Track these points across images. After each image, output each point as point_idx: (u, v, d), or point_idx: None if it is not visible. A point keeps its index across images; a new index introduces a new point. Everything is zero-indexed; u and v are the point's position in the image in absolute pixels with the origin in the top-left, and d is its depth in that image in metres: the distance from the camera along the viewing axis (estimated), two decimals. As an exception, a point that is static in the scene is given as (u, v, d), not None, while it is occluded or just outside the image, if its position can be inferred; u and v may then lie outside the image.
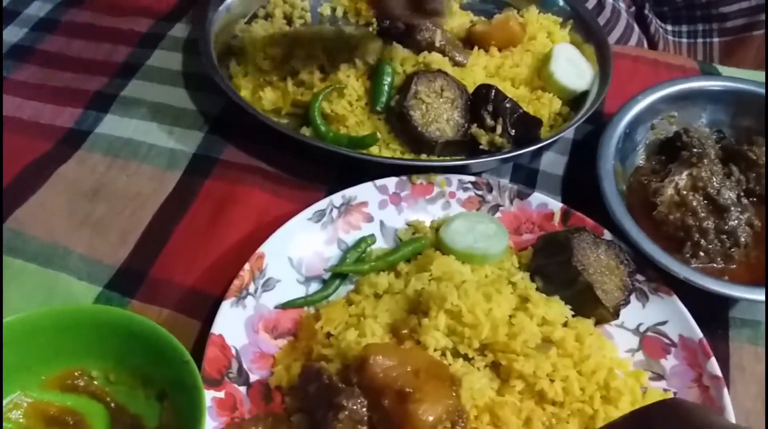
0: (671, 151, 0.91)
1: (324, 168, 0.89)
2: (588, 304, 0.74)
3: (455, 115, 0.89)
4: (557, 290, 0.75)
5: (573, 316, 0.73)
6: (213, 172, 0.89)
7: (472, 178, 0.85)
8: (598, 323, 0.75)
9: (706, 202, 0.84)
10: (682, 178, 0.86)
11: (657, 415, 0.49)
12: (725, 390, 0.70)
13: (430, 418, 0.59)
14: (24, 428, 0.64)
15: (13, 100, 0.98)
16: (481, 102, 0.89)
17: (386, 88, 0.90)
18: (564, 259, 0.74)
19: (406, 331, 0.69)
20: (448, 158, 0.89)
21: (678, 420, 0.47)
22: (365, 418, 0.60)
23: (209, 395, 0.64)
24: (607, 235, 0.81)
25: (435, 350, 0.68)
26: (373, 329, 0.69)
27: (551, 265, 0.76)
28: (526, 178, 0.92)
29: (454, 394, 0.62)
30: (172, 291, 0.76)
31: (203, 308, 0.75)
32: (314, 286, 0.77)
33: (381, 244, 0.82)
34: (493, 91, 0.89)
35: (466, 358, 0.68)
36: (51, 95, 0.99)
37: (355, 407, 0.60)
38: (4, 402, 0.64)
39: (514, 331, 0.68)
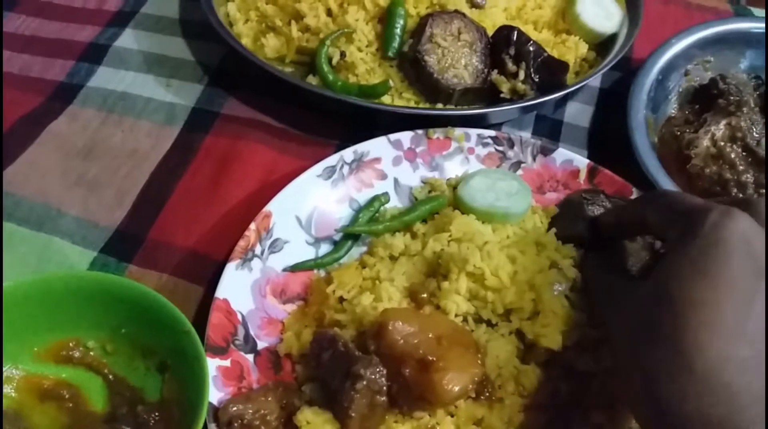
0: (706, 100, 0.84)
1: (332, 121, 0.83)
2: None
3: (474, 60, 0.82)
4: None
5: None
6: (214, 126, 0.83)
7: (493, 133, 0.79)
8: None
9: (744, 153, 0.78)
10: (719, 128, 0.79)
11: (651, 202, 0.57)
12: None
13: (456, 388, 0.55)
14: (16, 403, 0.60)
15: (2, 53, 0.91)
16: (502, 45, 0.82)
17: (398, 31, 0.83)
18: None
19: (425, 296, 0.63)
20: (466, 108, 0.82)
21: (665, 203, 0.54)
22: (384, 388, 0.56)
23: (214, 364, 0.60)
24: (636, 193, 0.76)
25: (456, 316, 0.63)
26: (389, 293, 0.64)
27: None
28: (550, 130, 0.86)
29: (479, 362, 0.58)
30: (172, 255, 0.71)
31: (206, 272, 0.70)
32: (325, 248, 0.72)
33: (395, 204, 0.76)
34: (515, 33, 0.82)
35: (489, 324, 0.63)
36: (41, 47, 0.92)
37: (373, 376, 0.55)
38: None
39: (541, 297, 0.63)
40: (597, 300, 0.61)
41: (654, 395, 0.47)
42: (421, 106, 0.83)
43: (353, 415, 0.55)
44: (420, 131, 0.77)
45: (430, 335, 0.58)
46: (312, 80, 0.84)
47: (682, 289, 0.47)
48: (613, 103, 0.86)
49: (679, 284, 0.47)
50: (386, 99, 0.82)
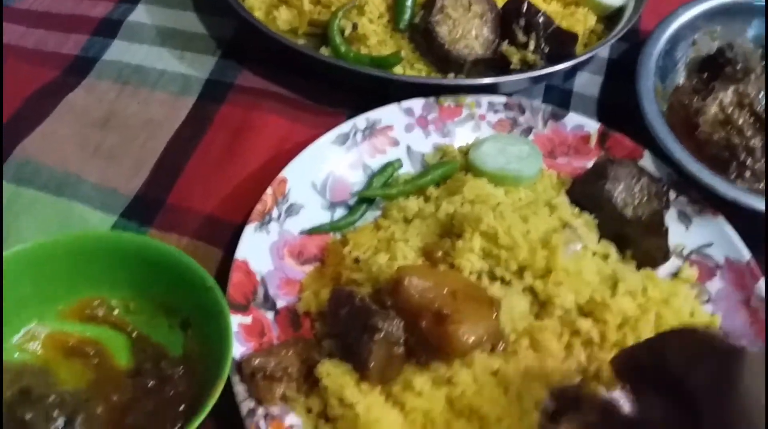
0: (714, 69, 0.85)
1: (344, 92, 0.84)
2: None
3: (484, 31, 0.84)
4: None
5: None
6: (228, 97, 0.84)
7: (503, 99, 0.80)
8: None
9: (752, 119, 0.79)
10: (727, 95, 0.80)
11: (670, 341, 0.51)
12: (776, 312, 0.67)
13: (471, 340, 0.56)
14: (42, 360, 0.61)
15: (16, 28, 0.93)
16: (513, 16, 0.83)
17: (410, 3, 0.84)
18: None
19: (439, 254, 0.65)
20: (476, 78, 0.83)
21: (688, 345, 0.49)
22: (401, 340, 0.57)
23: (235, 321, 0.61)
24: (647, 157, 0.77)
25: (470, 273, 0.64)
26: (404, 252, 0.65)
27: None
28: (560, 100, 0.87)
29: (493, 316, 0.59)
30: (190, 219, 0.73)
31: (224, 236, 0.71)
32: (340, 212, 0.73)
33: (408, 170, 0.77)
34: (525, 4, 0.83)
35: (503, 281, 0.65)
36: (55, 23, 0.94)
37: (391, 329, 0.57)
38: (21, 333, 0.61)
39: (553, 254, 0.64)
40: None
41: None
42: (432, 76, 0.84)
43: (372, 365, 0.56)
44: (431, 98, 0.79)
45: (445, 290, 0.59)
46: (324, 52, 0.85)
47: None
48: (621, 73, 0.87)
49: None
50: (398, 70, 0.84)
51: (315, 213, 0.72)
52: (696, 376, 0.47)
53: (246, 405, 0.57)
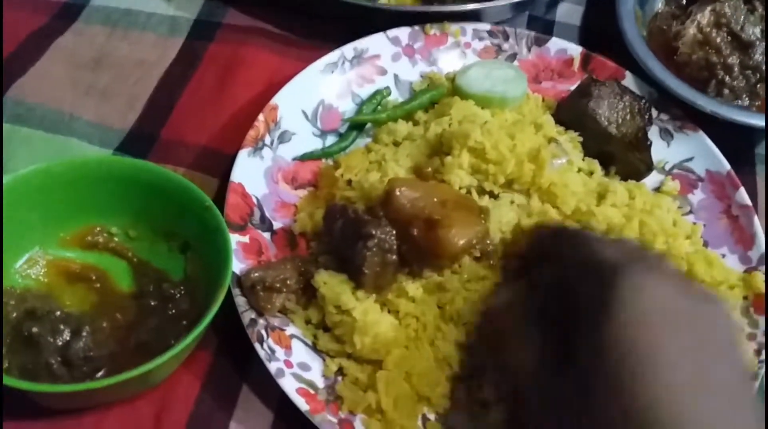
0: (692, -7, 0.87)
1: (332, 26, 0.85)
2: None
3: (466, -40, 0.85)
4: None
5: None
6: (216, 36, 0.85)
7: (488, 27, 0.82)
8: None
9: (729, 38, 0.81)
10: (704, 15, 0.82)
11: (568, 240, 0.52)
12: (755, 217, 0.70)
13: (461, 242, 0.58)
14: (45, 285, 0.63)
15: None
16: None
17: (392, -66, 0.85)
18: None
19: (429, 170, 0.67)
20: (460, 5, 0.84)
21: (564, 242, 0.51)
22: (394, 247, 0.59)
23: (234, 239, 0.63)
24: (629, 77, 0.79)
25: (460, 188, 0.66)
26: (395, 171, 0.67)
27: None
28: (543, 30, 0.88)
29: (482, 221, 0.61)
30: (185, 151, 0.74)
31: (219, 165, 0.73)
32: (331, 140, 0.75)
33: (396, 98, 0.79)
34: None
35: (491, 195, 0.67)
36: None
37: (383, 236, 0.59)
38: (23, 259, 0.63)
39: (539, 168, 0.66)
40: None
41: None
42: (417, 5, 0.85)
43: (366, 271, 0.58)
44: (417, 27, 0.80)
45: (435, 199, 0.61)
46: (310, -14, 0.86)
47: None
48: (602, 1, 0.89)
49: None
50: (383, 1, 0.85)
51: (307, 140, 0.74)
52: (581, 290, 0.46)
53: (247, 315, 0.59)
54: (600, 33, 0.86)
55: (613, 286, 0.43)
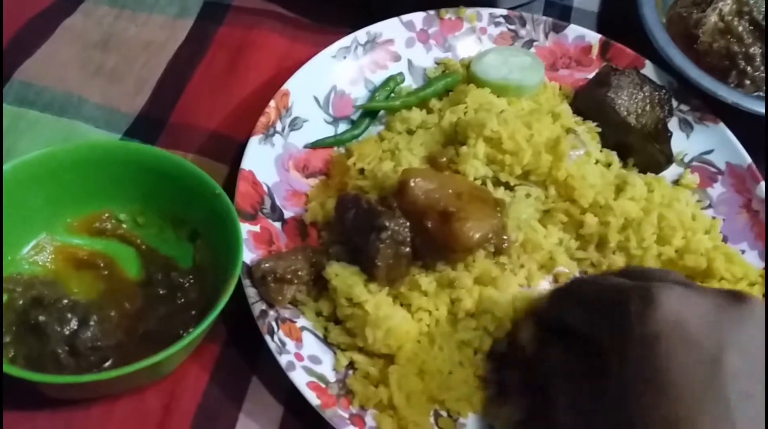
0: (714, -21, 0.84)
1: (344, 9, 0.83)
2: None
3: (484, -57, 0.83)
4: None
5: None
6: (226, 18, 0.83)
7: (504, 12, 0.80)
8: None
9: (751, 27, 0.79)
10: (727, 3, 0.80)
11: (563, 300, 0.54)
12: (776, 213, 0.68)
13: (476, 235, 0.57)
14: (52, 272, 0.61)
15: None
16: (512, -74, 0.82)
17: None
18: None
19: (444, 160, 0.65)
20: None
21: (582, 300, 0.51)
22: (408, 239, 0.58)
23: (245, 228, 0.62)
24: (648, 66, 0.77)
25: (475, 179, 0.65)
26: (409, 160, 0.66)
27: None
28: (560, 16, 0.86)
29: (498, 214, 0.60)
30: (194, 136, 0.73)
31: (229, 151, 0.71)
32: (343, 127, 0.73)
33: (410, 85, 0.77)
34: None
35: (507, 186, 0.66)
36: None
37: (397, 228, 0.57)
38: (30, 245, 0.62)
39: (557, 159, 0.65)
40: None
41: None
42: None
43: (379, 264, 0.57)
44: (432, 12, 0.78)
45: (450, 191, 0.60)
46: (322, -31, 0.84)
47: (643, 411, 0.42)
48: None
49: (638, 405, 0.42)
50: (397, -15, 0.83)
51: (318, 127, 0.72)
52: (600, 331, 0.48)
53: (258, 306, 0.58)
54: (618, 19, 0.84)
55: (628, 302, 0.45)
